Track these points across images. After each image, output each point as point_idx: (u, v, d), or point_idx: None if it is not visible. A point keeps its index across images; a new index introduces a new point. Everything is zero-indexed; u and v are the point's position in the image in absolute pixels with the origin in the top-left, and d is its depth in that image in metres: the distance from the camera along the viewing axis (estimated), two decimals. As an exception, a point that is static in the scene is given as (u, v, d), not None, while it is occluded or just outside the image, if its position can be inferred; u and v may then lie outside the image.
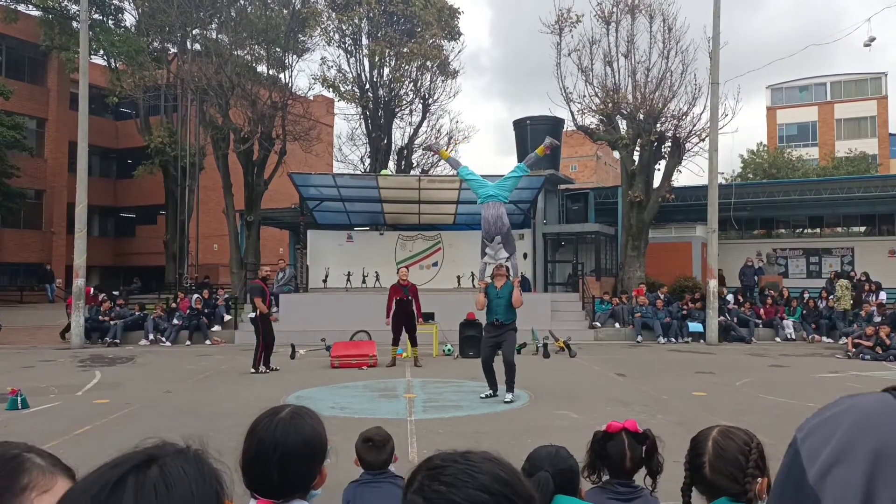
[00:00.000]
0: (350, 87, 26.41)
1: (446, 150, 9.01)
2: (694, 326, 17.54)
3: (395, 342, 12.78)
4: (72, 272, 16.97)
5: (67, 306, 17.61)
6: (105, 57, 28.37)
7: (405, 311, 12.74)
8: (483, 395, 9.09)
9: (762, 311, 18.56)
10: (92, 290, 19.38)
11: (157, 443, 0.82)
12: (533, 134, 23.78)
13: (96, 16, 27.33)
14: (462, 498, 0.86)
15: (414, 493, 0.89)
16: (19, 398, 8.60)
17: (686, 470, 1.92)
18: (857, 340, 14.85)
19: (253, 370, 11.67)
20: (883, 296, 18.30)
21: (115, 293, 22.12)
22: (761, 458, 1.84)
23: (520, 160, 23.96)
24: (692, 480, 1.90)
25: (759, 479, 1.81)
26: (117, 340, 16.45)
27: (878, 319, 16.13)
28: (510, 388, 8.95)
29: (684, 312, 18.05)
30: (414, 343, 12.93)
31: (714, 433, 1.89)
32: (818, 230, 27.93)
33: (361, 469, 3.03)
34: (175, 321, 17.21)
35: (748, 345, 16.87)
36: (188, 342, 16.74)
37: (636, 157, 20.64)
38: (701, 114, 19.87)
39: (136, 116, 29.98)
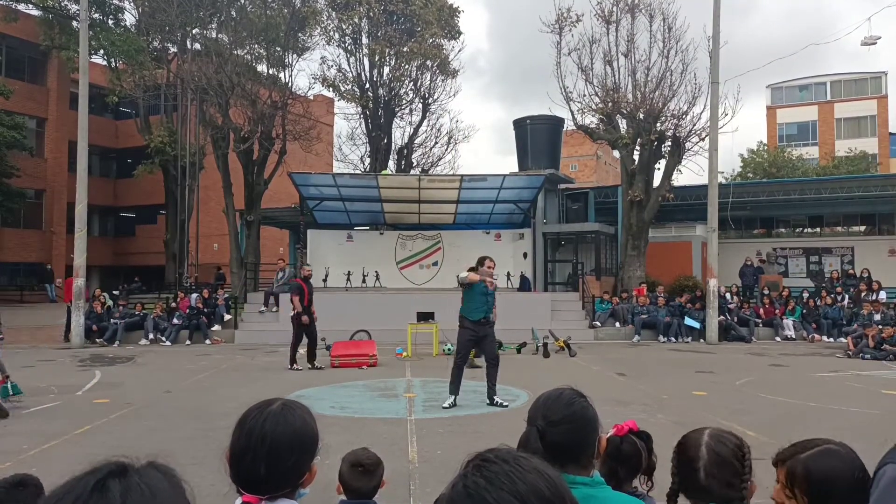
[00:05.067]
0: (350, 86, 26.41)
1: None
2: (690, 322, 17.53)
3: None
4: (72, 272, 16.95)
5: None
6: (105, 56, 28.35)
7: None
8: (447, 405, 8.35)
9: (762, 310, 18.56)
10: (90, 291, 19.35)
11: (123, 456, 0.85)
12: (533, 133, 23.80)
13: (96, 15, 27.31)
14: (494, 498, 0.87)
15: (459, 477, 0.93)
16: (9, 384, 8.64)
17: (673, 475, 1.86)
18: (857, 339, 14.83)
19: (288, 367, 11.97)
20: (883, 295, 18.30)
21: (116, 292, 22.14)
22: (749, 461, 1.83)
23: (520, 159, 24.08)
24: (680, 487, 1.85)
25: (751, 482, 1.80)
26: (117, 343, 16.45)
27: (878, 318, 16.13)
28: (496, 390, 8.54)
29: (684, 307, 18.01)
30: None
31: (706, 438, 1.84)
32: (818, 229, 27.95)
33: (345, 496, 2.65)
34: (175, 321, 17.21)
35: (748, 344, 16.88)
36: (188, 342, 16.74)
37: (636, 157, 20.63)
38: (701, 113, 19.91)
39: (135, 116, 29.99)
